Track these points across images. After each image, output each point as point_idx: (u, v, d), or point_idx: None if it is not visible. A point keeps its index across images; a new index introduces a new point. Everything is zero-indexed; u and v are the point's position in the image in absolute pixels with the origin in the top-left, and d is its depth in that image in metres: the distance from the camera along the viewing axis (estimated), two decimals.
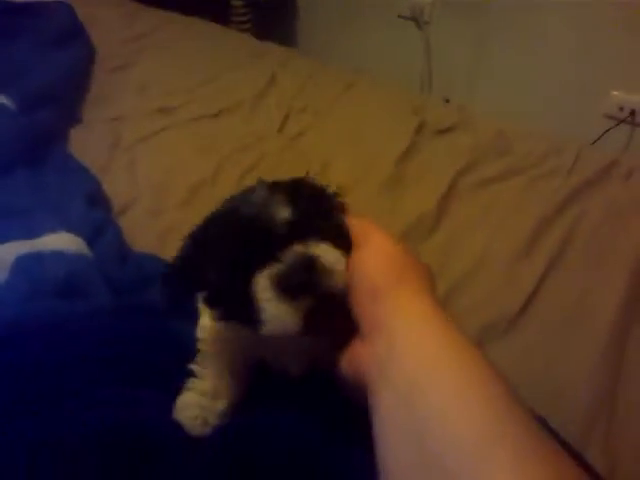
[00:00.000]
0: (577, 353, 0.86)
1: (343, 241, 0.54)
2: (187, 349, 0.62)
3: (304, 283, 0.49)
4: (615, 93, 2.01)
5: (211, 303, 0.55)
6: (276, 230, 0.50)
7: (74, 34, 1.53)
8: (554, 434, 0.68)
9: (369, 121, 1.34)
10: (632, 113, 1.99)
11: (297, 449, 0.54)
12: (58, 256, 0.78)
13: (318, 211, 0.54)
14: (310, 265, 0.49)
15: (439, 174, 1.17)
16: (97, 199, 1.00)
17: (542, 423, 0.66)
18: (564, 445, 0.67)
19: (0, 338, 0.62)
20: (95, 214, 0.94)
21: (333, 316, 0.51)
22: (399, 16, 2.33)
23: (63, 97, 1.30)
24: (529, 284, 0.95)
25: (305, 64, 1.61)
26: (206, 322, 0.61)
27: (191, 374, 0.60)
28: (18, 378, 0.58)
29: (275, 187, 0.54)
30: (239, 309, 0.51)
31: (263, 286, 0.49)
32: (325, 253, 0.51)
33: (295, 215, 0.51)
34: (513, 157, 1.24)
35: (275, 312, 0.49)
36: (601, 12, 1.89)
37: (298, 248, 0.50)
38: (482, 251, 1.02)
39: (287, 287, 0.48)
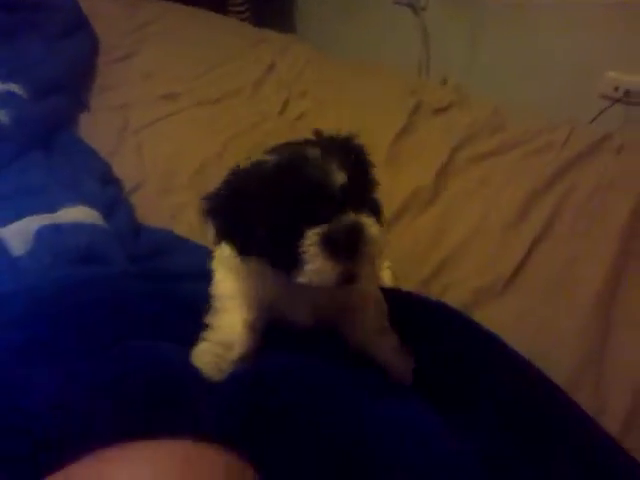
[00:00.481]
0: (567, 313, 0.91)
1: (378, 214, 0.61)
2: (198, 307, 0.67)
3: (349, 247, 0.55)
4: (610, 73, 2.03)
5: (248, 248, 0.60)
6: (332, 193, 0.55)
7: (79, 26, 1.57)
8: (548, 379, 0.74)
9: (367, 103, 1.38)
10: (627, 93, 2.01)
11: (303, 388, 0.60)
12: (77, 227, 0.83)
13: (366, 180, 0.61)
14: (358, 233, 0.56)
15: (435, 150, 1.21)
16: (109, 179, 1.06)
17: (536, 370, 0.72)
18: (556, 389, 0.74)
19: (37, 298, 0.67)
20: (108, 191, 0.99)
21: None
22: (395, 2, 2.36)
23: (71, 85, 1.34)
24: (521, 251, 1.00)
25: (303, 50, 1.65)
26: (221, 277, 0.67)
27: (206, 326, 0.65)
28: (59, 331, 0.63)
29: (328, 147, 0.58)
30: (281, 256, 0.57)
31: (313, 241, 0.55)
32: (370, 225, 0.57)
33: (349, 182, 0.56)
34: (508, 133, 1.29)
35: (318, 266, 0.55)
36: None
37: (351, 216, 0.56)
38: (477, 221, 1.07)
39: (334, 248, 0.55)
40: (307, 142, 0.61)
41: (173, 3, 1.89)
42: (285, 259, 0.57)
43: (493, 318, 0.88)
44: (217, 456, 0.48)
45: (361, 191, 0.59)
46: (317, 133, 0.64)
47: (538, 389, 0.75)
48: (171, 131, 1.29)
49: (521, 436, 0.68)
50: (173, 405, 0.57)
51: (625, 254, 0.99)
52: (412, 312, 0.80)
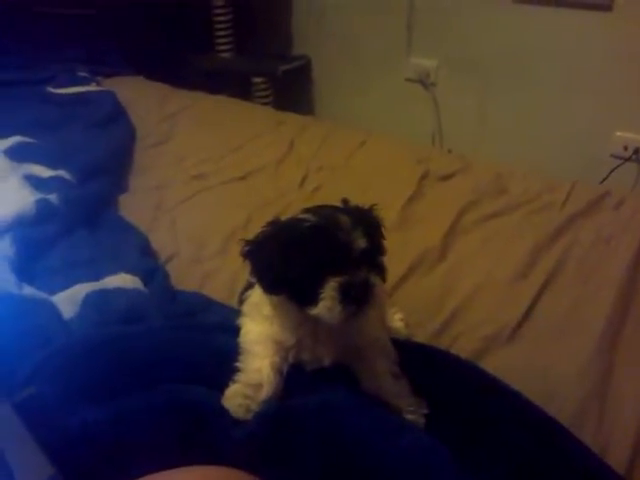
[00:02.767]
0: (570, 358, 0.97)
1: (383, 273, 0.76)
2: (229, 356, 0.77)
3: (358, 296, 0.69)
4: (619, 134, 2.12)
5: (277, 286, 0.73)
6: (354, 253, 0.70)
7: (117, 116, 1.76)
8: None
9: (378, 172, 1.50)
10: (636, 151, 2.09)
11: (323, 426, 0.68)
12: (120, 291, 0.94)
13: (379, 247, 0.76)
14: (367, 288, 0.70)
15: (443, 214, 1.31)
16: (147, 251, 1.18)
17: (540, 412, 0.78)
18: (562, 429, 0.79)
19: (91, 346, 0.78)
20: (146, 261, 1.11)
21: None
22: (406, 80, 2.53)
23: (111, 169, 1.50)
24: (526, 301, 1.07)
25: (320, 128, 1.79)
26: (250, 327, 0.77)
27: (237, 370, 0.74)
28: (106, 375, 0.74)
29: (355, 215, 0.73)
30: (303, 294, 0.71)
31: (332, 287, 0.69)
32: (377, 283, 0.72)
33: (368, 246, 0.71)
34: (510, 195, 1.38)
35: (330, 305, 0.69)
36: (598, 58, 2.04)
37: (364, 273, 0.70)
38: (483, 276, 1.14)
39: (346, 295, 0.69)
40: (338, 209, 0.76)
41: (201, 93, 2.08)
42: (306, 297, 0.70)
43: (501, 364, 0.95)
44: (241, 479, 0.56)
45: (374, 255, 0.74)
46: (344, 202, 0.79)
47: (543, 431, 0.80)
48: (201, 207, 1.42)
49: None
50: (203, 438, 0.65)
51: (625, 299, 1.05)
52: (422, 361, 0.88)
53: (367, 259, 0.71)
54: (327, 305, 0.69)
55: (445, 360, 0.91)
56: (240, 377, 0.74)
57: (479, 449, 0.76)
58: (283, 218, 0.79)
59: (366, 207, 0.80)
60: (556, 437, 0.79)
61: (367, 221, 0.75)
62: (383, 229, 0.80)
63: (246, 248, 0.75)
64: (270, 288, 0.75)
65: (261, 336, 0.77)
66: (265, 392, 0.73)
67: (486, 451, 0.76)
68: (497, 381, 0.86)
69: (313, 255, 0.70)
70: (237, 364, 0.76)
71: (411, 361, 0.82)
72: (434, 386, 0.83)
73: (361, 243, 0.70)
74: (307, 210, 0.75)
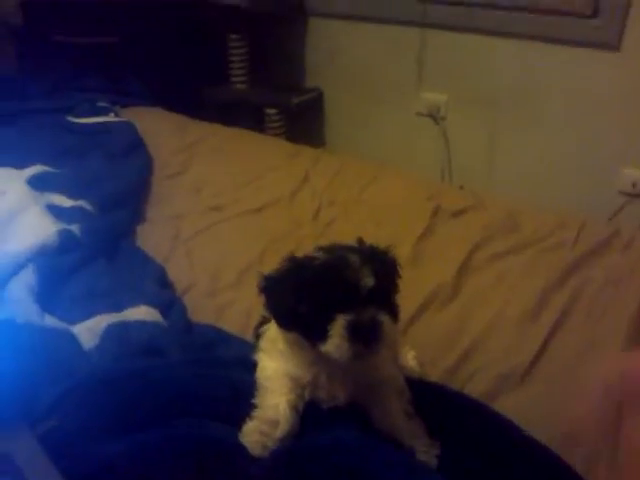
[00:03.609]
0: (582, 397, 0.97)
1: (395, 312, 0.77)
2: (246, 391, 0.78)
3: (365, 334, 0.71)
4: (627, 171, 2.15)
5: (289, 322, 0.76)
6: (361, 291, 0.72)
7: (136, 147, 1.79)
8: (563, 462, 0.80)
9: (390, 207, 1.52)
10: None
11: (337, 464, 0.69)
12: (140, 324, 0.97)
13: (391, 286, 0.78)
14: (375, 327, 0.71)
15: (455, 250, 1.33)
16: (164, 282, 1.20)
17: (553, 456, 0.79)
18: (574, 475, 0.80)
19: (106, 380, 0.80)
20: (165, 293, 1.13)
21: None
22: (417, 114, 2.57)
23: (130, 200, 1.53)
24: (538, 340, 1.09)
25: (333, 161, 1.82)
26: (266, 363, 0.78)
27: (254, 406, 0.76)
28: (127, 409, 0.75)
29: (367, 255, 0.75)
30: (313, 331, 0.73)
31: (340, 325, 0.71)
32: (386, 322, 0.73)
33: (376, 286, 0.72)
34: (522, 233, 1.40)
35: (338, 343, 0.71)
36: (605, 96, 2.08)
37: (371, 312, 0.71)
38: (496, 314, 1.16)
39: (354, 333, 0.71)
40: (350, 248, 0.78)
41: (216, 124, 2.12)
42: (316, 333, 0.72)
43: (515, 403, 0.96)
44: None
45: (385, 294, 0.76)
46: (360, 241, 0.82)
47: (555, 473, 0.81)
48: (217, 238, 1.45)
49: None
50: (221, 474, 0.67)
51: (635, 341, 1.07)
52: (435, 402, 0.89)
53: (376, 297, 0.73)
54: (335, 342, 0.71)
55: (458, 401, 0.92)
56: (257, 413, 0.76)
57: None
58: (298, 254, 0.81)
59: (381, 247, 0.82)
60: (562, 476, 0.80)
61: (380, 260, 0.77)
62: (399, 268, 0.82)
63: (262, 283, 0.78)
64: (283, 324, 0.77)
65: (277, 372, 0.79)
66: (281, 429, 0.74)
67: None
68: (510, 424, 0.87)
69: (322, 293, 0.72)
70: (254, 400, 0.77)
71: (424, 401, 0.84)
72: (447, 427, 0.83)
73: (369, 282, 0.71)
74: (320, 248, 0.78)
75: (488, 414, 0.90)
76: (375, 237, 1.39)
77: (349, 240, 1.30)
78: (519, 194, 2.17)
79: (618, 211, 2.11)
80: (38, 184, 1.43)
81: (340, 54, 2.70)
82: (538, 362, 1.05)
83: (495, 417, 0.89)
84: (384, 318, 0.73)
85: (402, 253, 1.33)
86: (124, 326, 0.97)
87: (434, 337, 1.12)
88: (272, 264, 1.32)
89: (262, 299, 0.79)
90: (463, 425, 0.86)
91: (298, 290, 0.73)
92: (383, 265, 0.77)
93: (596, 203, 2.11)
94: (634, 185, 2.14)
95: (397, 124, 2.63)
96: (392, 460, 0.74)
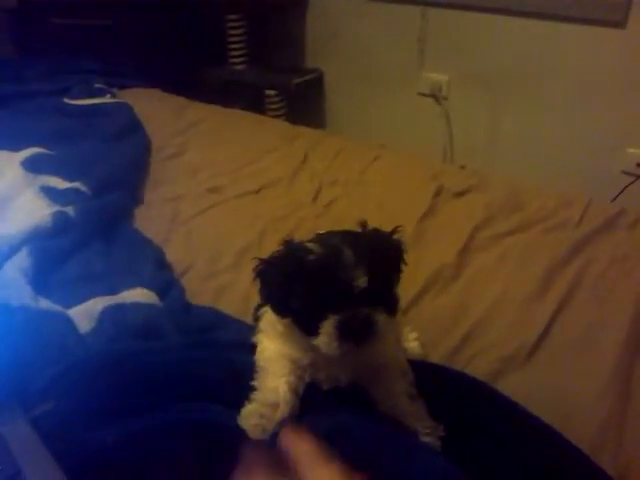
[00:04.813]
0: (587, 381, 0.96)
1: (394, 304, 0.74)
2: (245, 373, 0.76)
3: (357, 334, 0.69)
4: (631, 150, 2.12)
5: (282, 311, 0.74)
6: (354, 291, 0.68)
7: (133, 129, 1.76)
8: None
9: (392, 187, 1.50)
10: None
11: (337, 446, 0.67)
12: (137, 306, 0.95)
13: (391, 277, 0.74)
14: (368, 325, 0.69)
15: (457, 231, 1.31)
16: (162, 264, 1.18)
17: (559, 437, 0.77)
18: (581, 456, 0.78)
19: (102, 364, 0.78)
20: (162, 275, 1.11)
21: None
22: (419, 94, 2.54)
23: (127, 182, 1.51)
24: (542, 321, 1.06)
25: (334, 143, 1.80)
26: (266, 344, 0.77)
27: (253, 388, 0.74)
28: (123, 391, 0.74)
29: (364, 245, 0.71)
30: (305, 325, 0.71)
31: (330, 323, 0.68)
32: (381, 319, 0.70)
33: (371, 282, 0.68)
34: (525, 213, 1.38)
35: (327, 341, 0.69)
36: (610, 74, 2.05)
37: (365, 310, 0.69)
38: (499, 294, 1.14)
39: (344, 332, 0.68)
40: (349, 237, 0.73)
41: (215, 106, 2.09)
42: (308, 327, 0.71)
43: (518, 385, 0.94)
44: None
45: (383, 288, 0.72)
46: (362, 225, 0.78)
47: (562, 458, 0.79)
48: (216, 220, 1.43)
49: None
50: (220, 458, 0.65)
51: None
52: (438, 383, 0.87)
53: (372, 293, 0.69)
54: (324, 340, 0.69)
55: (461, 382, 0.90)
56: (256, 396, 0.74)
57: (495, 473, 0.75)
58: (299, 235, 0.79)
59: (385, 232, 0.78)
60: (575, 465, 0.78)
61: (381, 250, 0.73)
62: (404, 254, 0.78)
63: (258, 267, 0.75)
64: (276, 312, 0.75)
65: (277, 354, 0.77)
66: (281, 412, 0.72)
67: (502, 475, 0.75)
68: (514, 404, 0.85)
69: (313, 291, 0.69)
70: (253, 382, 0.75)
71: (427, 382, 0.82)
72: (450, 409, 0.82)
73: (362, 282, 0.68)
74: (318, 237, 0.74)
75: (492, 394, 0.88)
76: (377, 218, 1.38)
77: (351, 222, 1.29)
78: (521, 174, 2.14)
79: (622, 191, 2.09)
80: (33, 166, 1.40)
81: (340, 34, 2.68)
82: (542, 342, 1.03)
83: (498, 397, 0.87)
84: (379, 316, 0.70)
85: (404, 233, 1.31)
86: (120, 308, 0.95)
87: (436, 318, 1.10)
88: (271, 246, 1.30)
89: (257, 284, 0.76)
90: (466, 406, 0.84)
91: (289, 285, 0.70)
92: (384, 255, 0.73)
93: (599, 183, 2.09)
94: (638, 165, 2.13)
95: (399, 105, 2.61)
96: (395, 443, 0.72)
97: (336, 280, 0.68)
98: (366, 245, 0.72)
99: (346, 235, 0.74)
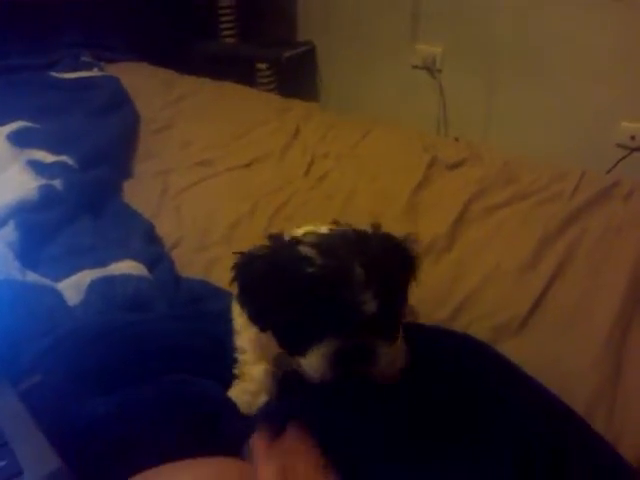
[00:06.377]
0: (581, 348, 0.95)
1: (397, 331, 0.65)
2: (232, 345, 0.76)
3: (354, 363, 0.60)
4: (625, 124, 2.11)
5: (264, 328, 0.66)
6: (361, 317, 0.58)
7: (121, 102, 1.74)
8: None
9: (385, 160, 1.48)
10: None
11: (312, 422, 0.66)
12: (126, 278, 0.93)
13: (397, 303, 0.64)
14: (367, 357, 0.60)
15: (450, 202, 1.29)
16: (152, 237, 1.16)
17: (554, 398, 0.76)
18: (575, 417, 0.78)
19: (91, 336, 0.77)
20: (151, 248, 1.10)
21: None
22: (412, 66, 2.51)
23: (115, 155, 1.48)
24: (536, 290, 1.06)
25: (326, 116, 1.78)
26: (239, 330, 0.75)
27: (235, 376, 0.73)
28: (110, 364, 0.72)
29: (376, 263, 0.60)
30: (288, 341, 0.63)
31: (325, 347, 0.60)
32: (384, 352, 0.61)
33: (380, 309, 0.59)
34: (519, 185, 1.37)
35: (317, 365, 0.60)
36: (606, 47, 2.02)
37: (368, 340, 0.60)
38: (493, 265, 1.13)
39: (339, 360, 0.60)
40: (358, 246, 0.61)
41: (205, 79, 2.06)
42: (295, 346, 0.62)
43: (512, 354, 0.93)
44: (245, 469, 0.55)
45: (390, 312, 0.62)
46: (375, 227, 0.67)
47: (557, 418, 0.79)
48: (206, 194, 1.41)
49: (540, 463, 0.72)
50: (210, 430, 0.64)
51: (636, 289, 1.04)
52: (434, 340, 0.86)
53: (377, 321, 0.59)
54: (314, 364, 0.60)
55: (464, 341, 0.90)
56: (238, 384, 0.73)
57: (489, 431, 0.75)
58: (285, 235, 0.67)
59: (399, 240, 0.67)
60: (569, 425, 0.78)
61: (397, 262, 0.63)
62: (417, 267, 0.69)
63: (239, 268, 0.66)
64: (254, 322, 0.67)
65: (251, 343, 0.74)
66: (263, 399, 0.71)
67: (497, 435, 0.74)
68: (512, 364, 0.85)
69: (310, 310, 0.59)
70: (234, 371, 0.74)
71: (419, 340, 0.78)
72: (443, 359, 0.80)
73: (370, 307, 0.58)
74: (317, 238, 0.62)
75: (488, 353, 0.87)
76: (370, 190, 1.38)
77: (343, 195, 1.26)
78: (515, 148, 2.13)
79: (616, 164, 2.08)
80: (19, 140, 1.37)
81: (332, 6, 2.63)
82: (536, 312, 1.02)
83: (498, 357, 0.87)
84: (381, 347, 0.61)
85: (397, 205, 1.30)
86: (109, 280, 0.93)
87: (429, 289, 1.08)
88: (262, 218, 1.30)
89: (235, 286, 0.67)
90: (464, 360, 0.83)
91: (281, 299, 0.61)
92: (397, 273, 0.63)
93: (594, 156, 2.08)
94: (633, 138, 2.11)
95: (392, 77, 2.58)
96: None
97: (342, 302, 0.58)
98: (379, 260, 0.61)
99: (353, 243, 0.62)
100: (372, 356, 0.60)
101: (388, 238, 0.66)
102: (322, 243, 0.62)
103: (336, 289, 0.58)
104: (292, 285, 0.60)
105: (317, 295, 0.58)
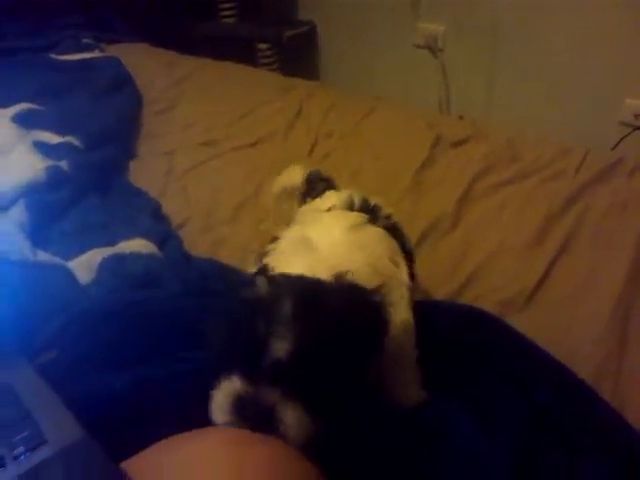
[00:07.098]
0: (586, 323, 0.97)
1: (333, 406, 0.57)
2: None
3: (252, 420, 0.53)
4: (629, 101, 2.10)
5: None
6: (266, 358, 0.52)
7: (123, 83, 1.73)
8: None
9: (389, 138, 1.49)
10: None
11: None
12: (136, 256, 0.95)
13: (335, 367, 0.54)
14: (268, 419, 0.53)
15: (455, 180, 1.30)
16: (159, 216, 1.17)
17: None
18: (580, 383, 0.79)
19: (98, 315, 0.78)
20: (160, 226, 1.11)
21: None
22: (414, 45, 2.49)
23: (119, 136, 1.49)
24: (541, 266, 1.07)
25: (328, 94, 1.77)
26: None
27: None
28: (126, 340, 0.74)
29: (307, 309, 0.54)
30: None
31: (223, 391, 0.55)
32: (291, 421, 0.52)
33: (297, 362, 0.52)
34: (523, 162, 1.37)
35: (215, 411, 0.56)
36: (609, 24, 2.01)
37: (273, 395, 0.52)
38: (498, 242, 1.14)
39: (236, 409, 0.54)
40: (312, 287, 0.57)
41: (206, 59, 2.05)
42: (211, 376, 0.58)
43: (518, 328, 0.95)
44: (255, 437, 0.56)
45: (320, 373, 0.53)
46: (338, 278, 0.60)
47: (565, 387, 0.81)
48: (211, 174, 1.41)
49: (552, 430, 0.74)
50: None
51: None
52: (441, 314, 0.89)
53: (298, 377, 0.52)
54: (212, 407, 0.56)
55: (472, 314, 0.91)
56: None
57: (500, 404, 0.77)
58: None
59: (364, 294, 0.59)
60: (577, 394, 0.79)
61: (347, 319, 0.54)
62: (387, 327, 0.60)
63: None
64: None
65: None
66: None
67: (507, 406, 0.76)
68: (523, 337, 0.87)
69: (221, 342, 0.57)
70: None
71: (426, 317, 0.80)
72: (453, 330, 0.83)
73: (278, 351, 0.51)
74: (282, 275, 0.59)
75: (502, 328, 0.89)
76: (374, 169, 1.38)
77: (348, 173, 1.26)
78: (519, 125, 2.12)
79: (619, 142, 2.08)
80: (24, 121, 1.38)
81: None
82: (541, 288, 1.04)
83: (509, 330, 0.89)
84: (290, 413, 0.52)
85: (402, 183, 1.31)
86: (119, 258, 0.94)
87: (435, 266, 1.10)
88: (267, 200, 1.30)
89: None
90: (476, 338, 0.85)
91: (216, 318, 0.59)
92: (341, 330, 0.53)
93: (597, 134, 2.07)
94: (636, 116, 2.10)
95: (394, 57, 2.56)
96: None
97: (248, 335, 0.53)
98: (320, 306, 0.54)
99: (310, 285, 0.57)
100: (273, 418, 0.52)
101: (350, 290, 0.59)
102: (282, 277, 0.59)
103: (250, 319, 0.54)
104: (225, 312, 0.59)
105: (229, 327, 0.56)
